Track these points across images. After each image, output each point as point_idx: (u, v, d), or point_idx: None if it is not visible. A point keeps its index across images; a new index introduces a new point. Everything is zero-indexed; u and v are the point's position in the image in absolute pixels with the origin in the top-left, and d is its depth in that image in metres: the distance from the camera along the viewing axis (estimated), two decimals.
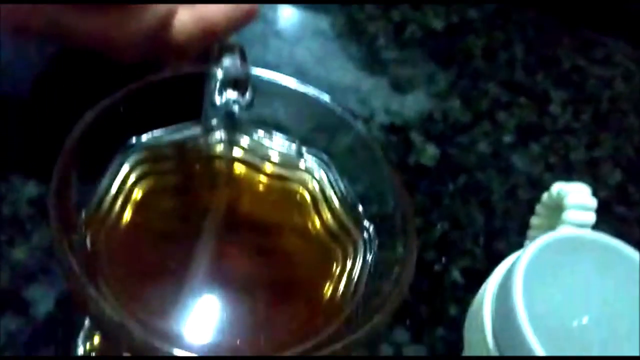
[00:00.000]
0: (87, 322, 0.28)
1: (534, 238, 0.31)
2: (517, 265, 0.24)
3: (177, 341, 0.22)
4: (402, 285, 0.21)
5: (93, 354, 0.28)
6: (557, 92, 0.46)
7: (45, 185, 0.31)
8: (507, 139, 0.42)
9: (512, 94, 0.45)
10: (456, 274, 0.34)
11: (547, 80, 0.47)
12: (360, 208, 0.26)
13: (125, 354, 0.22)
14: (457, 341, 0.31)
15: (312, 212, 0.26)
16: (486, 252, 0.35)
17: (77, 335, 0.28)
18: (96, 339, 0.29)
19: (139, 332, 0.19)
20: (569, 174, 0.41)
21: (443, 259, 0.35)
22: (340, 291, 0.24)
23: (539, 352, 0.22)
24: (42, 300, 0.28)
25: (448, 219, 0.36)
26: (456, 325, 0.32)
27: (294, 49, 0.43)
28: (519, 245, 0.36)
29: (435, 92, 0.43)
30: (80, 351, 0.28)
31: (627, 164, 0.42)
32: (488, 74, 0.46)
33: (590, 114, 0.45)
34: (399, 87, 0.43)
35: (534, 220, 0.31)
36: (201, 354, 0.21)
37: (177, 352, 0.19)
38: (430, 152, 0.39)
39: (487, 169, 0.40)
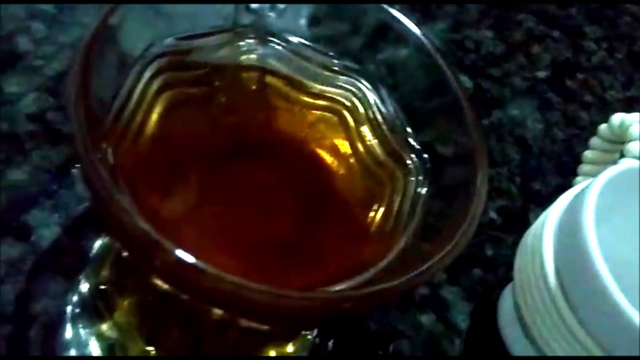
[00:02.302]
0: (93, 252, 0.26)
1: (588, 173, 0.29)
2: (586, 199, 0.22)
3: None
4: (475, 217, 0.18)
5: (102, 287, 0.26)
6: (591, 28, 0.43)
7: (47, 97, 0.27)
8: (542, 74, 0.39)
9: (546, 27, 0.42)
10: (492, 214, 0.32)
11: (580, 15, 0.44)
12: (412, 132, 0.23)
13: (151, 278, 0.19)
14: (494, 281, 0.29)
15: (355, 136, 0.23)
16: (523, 192, 0.33)
17: (82, 269, 0.25)
18: (104, 272, 0.27)
19: (173, 246, 0.16)
20: (605, 113, 0.38)
21: None
22: (391, 222, 0.21)
23: (608, 281, 0.20)
24: (45, 225, 0.24)
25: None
26: (493, 266, 0.30)
27: None
28: (557, 185, 0.34)
29: (467, 20, 0.40)
30: (85, 287, 0.25)
31: None
32: (520, 4, 0.42)
33: (625, 52, 0.42)
34: (428, 12, 0.39)
35: (588, 155, 0.29)
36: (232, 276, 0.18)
37: (213, 269, 0.16)
38: (462, 83, 0.36)
39: (523, 104, 0.37)
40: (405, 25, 0.22)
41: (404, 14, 0.23)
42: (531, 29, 0.41)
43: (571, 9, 0.44)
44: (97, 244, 0.26)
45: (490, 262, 0.30)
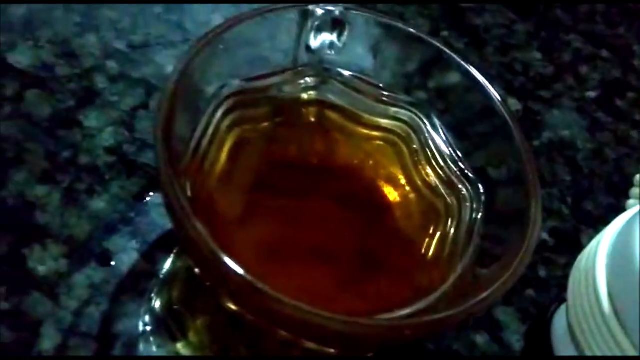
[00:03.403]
0: (163, 272, 0.28)
1: (638, 196, 0.29)
2: (638, 221, 0.22)
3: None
4: (531, 244, 0.19)
5: (174, 307, 0.27)
6: None
7: (122, 131, 0.30)
8: (591, 94, 0.39)
9: (594, 47, 0.42)
10: (544, 235, 0.32)
11: (630, 33, 0.44)
12: (466, 160, 0.24)
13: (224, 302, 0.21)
14: (547, 302, 0.30)
15: (410, 165, 0.25)
16: (574, 213, 0.34)
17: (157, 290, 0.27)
18: (175, 293, 0.28)
19: (245, 275, 0.18)
20: None
21: None
22: (447, 250, 0.22)
23: None
24: (124, 251, 0.27)
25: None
26: (546, 287, 0.31)
27: None
28: (609, 205, 0.34)
29: (515, 43, 0.41)
30: (159, 308, 0.27)
31: None
32: (568, 25, 0.43)
33: None
34: (476, 37, 0.40)
35: None
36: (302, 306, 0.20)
37: (281, 297, 0.18)
38: (512, 106, 0.37)
39: (572, 125, 0.37)
40: (451, 55, 0.24)
41: (450, 43, 0.24)
42: (579, 50, 0.42)
43: (619, 29, 0.44)
44: (167, 265, 0.28)
45: (543, 283, 0.31)
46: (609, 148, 0.37)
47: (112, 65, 0.32)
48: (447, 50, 0.24)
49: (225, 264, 0.18)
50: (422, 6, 0.41)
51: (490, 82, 0.38)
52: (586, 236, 0.33)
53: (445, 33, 0.40)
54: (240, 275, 0.18)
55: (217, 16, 0.35)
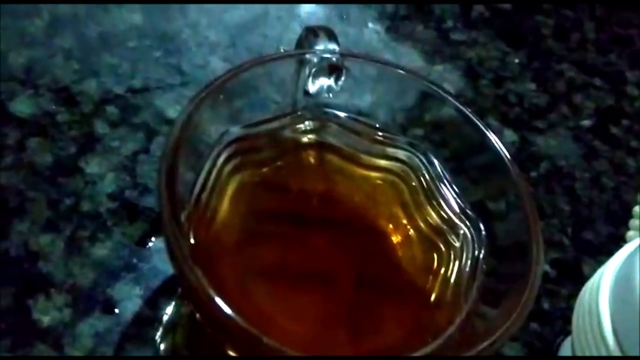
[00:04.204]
0: (165, 318, 0.28)
1: (638, 228, 0.30)
2: (638, 256, 0.22)
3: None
4: (534, 283, 0.19)
5: (180, 352, 0.27)
6: (632, 73, 0.44)
7: (124, 176, 0.30)
8: (586, 122, 0.40)
9: (587, 75, 0.43)
10: (546, 266, 0.33)
11: (621, 60, 0.45)
12: (466, 200, 0.24)
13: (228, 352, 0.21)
14: (552, 335, 0.30)
15: (411, 205, 0.25)
16: (575, 243, 0.34)
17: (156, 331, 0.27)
18: (178, 336, 0.28)
19: (248, 326, 0.18)
20: None
21: None
22: (450, 291, 0.23)
23: None
24: (128, 298, 0.27)
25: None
26: (550, 320, 0.31)
27: (361, 34, 0.41)
28: (609, 235, 0.34)
29: (508, 74, 0.41)
30: (162, 349, 0.27)
31: None
32: (560, 55, 0.44)
33: None
34: (470, 69, 0.41)
35: (638, 209, 0.29)
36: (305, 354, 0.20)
37: (284, 348, 0.18)
38: (508, 137, 0.38)
39: (569, 155, 0.38)
40: (443, 93, 0.24)
41: (439, 82, 0.25)
42: (572, 79, 0.42)
43: (610, 55, 0.44)
44: (170, 310, 0.28)
45: (547, 316, 0.31)
46: (606, 176, 0.37)
47: (112, 110, 0.32)
48: (438, 89, 0.24)
49: (226, 314, 0.18)
50: (416, 41, 0.41)
51: (485, 115, 0.39)
52: (588, 266, 0.33)
53: (439, 67, 0.40)
54: (242, 327, 0.18)
55: (214, 58, 0.36)
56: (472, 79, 0.40)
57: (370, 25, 0.42)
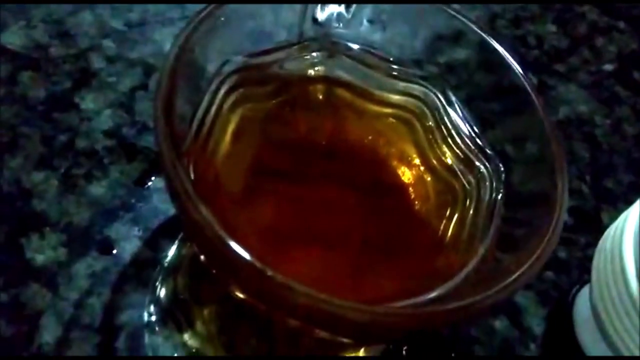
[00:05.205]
0: (167, 260, 0.27)
1: None
2: None
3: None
4: (557, 226, 0.18)
5: (180, 296, 0.26)
6: None
7: (121, 113, 0.28)
8: (609, 67, 0.38)
9: (611, 18, 0.41)
10: (564, 214, 0.31)
11: None
12: (484, 138, 0.22)
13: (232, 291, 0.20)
14: (567, 285, 0.29)
15: (425, 143, 0.23)
16: (594, 191, 0.32)
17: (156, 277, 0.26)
18: (180, 281, 0.27)
19: (254, 261, 0.17)
20: None
21: None
22: (467, 230, 0.21)
23: None
24: (126, 238, 0.25)
25: None
26: (566, 268, 0.29)
27: None
28: (630, 183, 0.33)
29: (528, 15, 0.39)
30: (164, 297, 0.26)
31: None
32: None
33: None
34: (488, 9, 0.39)
35: None
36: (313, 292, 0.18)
37: (293, 283, 0.16)
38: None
39: (589, 100, 0.36)
40: (466, 24, 0.22)
41: (464, 13, 0.23)
42: (595, 22, 0.40)
43: None
44: (171, 252, 0.27)
45: (564, 265, 0.29)
46: (628, 123, 0.35)
47: (108, 44, 0.30)
48: (462, 19, 0.23)
49: (232, 249, 0.16)
50: None
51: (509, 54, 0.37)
52: (607, 215, 0.31)
53: (456, 6, 0.38)
54: (248, 262, 0.16)
55: None
56: (490, 19, 0.38)
57: None
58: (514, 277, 0.17)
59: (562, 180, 0.19)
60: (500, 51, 0.22)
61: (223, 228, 0.17)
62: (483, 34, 0.22)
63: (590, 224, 0.31)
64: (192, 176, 0.19)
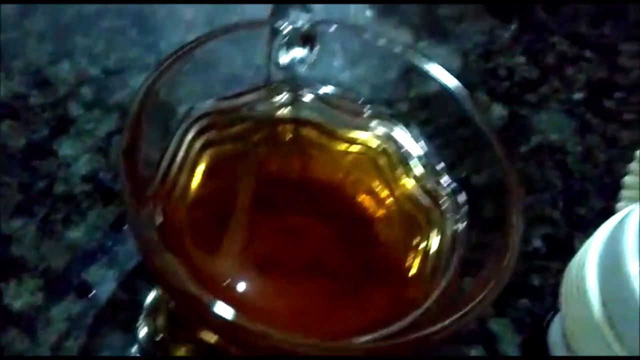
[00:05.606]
0: (147, 302, 0.27)
1: (630, 198, 0.29)
2: (627, 226, 0.22)
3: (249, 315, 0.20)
4: (511, 256, 0.18)
5: (158, 337, 0.27)
6: (625, 45, 0.43)
7: (98, 158, 0.29)
8: (579, 95, 0.39)
9: (579, 48, 0.42)
10: (537, 242, 0.32)
11: (614, 32, 0.44)
12: (445, 170, 0.23)
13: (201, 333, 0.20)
14: (542, 311, 0.29)
15: (390, 178, 0.24)
16: (567, 218, 0.33)
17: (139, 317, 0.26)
18: (159, 322, 0.28)
19: (217, 305, 0.17)
20: None
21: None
22: (430, 263, 0.22)
23: None
24: (103, 281, 0.26)
25: (523, 183, 0.34)
26: (540, 295, 0.30)
27: (346, 11, 0.40)
28: (601, 209, 0.33)
29: (498, 48, 0.40)
30: (143, 333, 0.27)
31: None
32: (552, 27, 0.43)
33: None
34: (458, 44, 0.40)
35: (629, 180, 0.28)
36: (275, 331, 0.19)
37: (256, 326, 0.17)
38: (497, 112, 0.37)
39: (560, 128, 0.37)
40: (425, 65, 0.23)
41: (427, 55, 0.24)
42: (564, 52, 0.41)
43: (604, 28, 0.43)
44: (151, 294, 0.27)
45: (537, 292, 0.30)
46: (599, 150, 0.36)
47: (86, 91, 0.31)
48: (421, 60, 0.23)
49: (196, 299, 0.17)
50: (402, 17, 0.40)
51: (473, 90, 0.38)
52: (579, 241, 0.32)
53: (426, 42, 0.39)
54: (213, 312, 0.17)
55: (191, 37, 0.35)
56: (460, 53, 0.39)
57: (355, 2, 0.41)
58: (469, 307, 0.17)
59: (516, 208, 0.20)
60: (458, 91, 0.23)
61: (189, 275, 0.18)
62: (440, 75, 0.23)
63: (563, 251, 0.31)
64: (160, 220, 0.20)
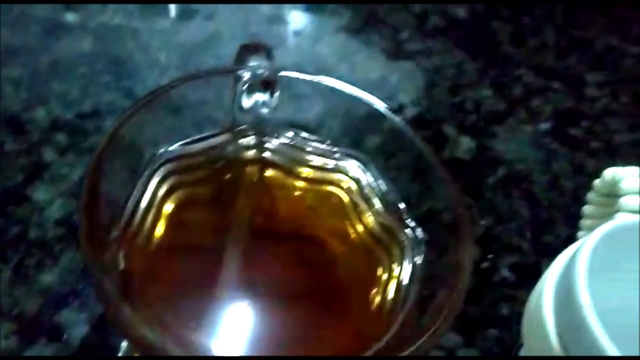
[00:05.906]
0: (124, 344, 0.27)
1: (588, 227, 0.29)
2: (578, 257, 0.22)
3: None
4: (460, 290, 0.19)
5: None
6: (591, 75, 0.44)
7: (72, 202, 0.30)
8: (545, 125, 0.40)
9: (545, 79, 0.43)
10: (505, 271, 0.32)
11: (580, 63, 0.45)
12: (404, 208, 0.24)
13: None
14: (511, 341, 0.30)
15: (352, 215, 0.25)
16: (534, 246, 0.34)
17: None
18: None
19: (178, 353, 0.18)
20: (612, 159, 0.39)
21: (489, 256, 0.33)
22: (390, 298, 0.22)
23: (610, 349, 0.20)
24: (76, 324, 0.26)
25: (491, 213, 0.35)
26: (509, 325, 0.30)
27: (316, 47, 0.41)
28: (568, 237, 0.34)
29: (465, 82, 0.41)
30: None
31: None
32: (518, 61, 0.44)
33: (630, 95, 0.43)
34: (427, 79, 0.41)
35: (587, 209, 0.29)
36: None
37: None
38: (465, 144, 0.38)
39: (527, 158, 0.38)
40: (381, 109, 0.24)
41: (378, 99, 0.25)
42: (530, 83, 0.42)
43: (570, 59, 0.45)
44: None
45: (506, 321, 0.30)
46: (566, 178, 0.37)
47: (60, 137, 0.32)
48: (376, 106, 0.24)
49: (162, 351, 0.17)
50: (371, 53, 0.42)
51: (441, 123, 0.39)
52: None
53: (394, 77, 0.40)
54: None
55: (166, 79, 0.35)
56: (428, 88, 0.40)
57: (324, 38, 0.42)
58: (418, 343, 0.18)
59: (466, 242, 0.21)
60: (410, 135, 0.24)
61: (150, 323, 0.18)
62: (396, 119, 0.24)
63: (531, 280, 0.32)
64: (122, 266, 0.21)
